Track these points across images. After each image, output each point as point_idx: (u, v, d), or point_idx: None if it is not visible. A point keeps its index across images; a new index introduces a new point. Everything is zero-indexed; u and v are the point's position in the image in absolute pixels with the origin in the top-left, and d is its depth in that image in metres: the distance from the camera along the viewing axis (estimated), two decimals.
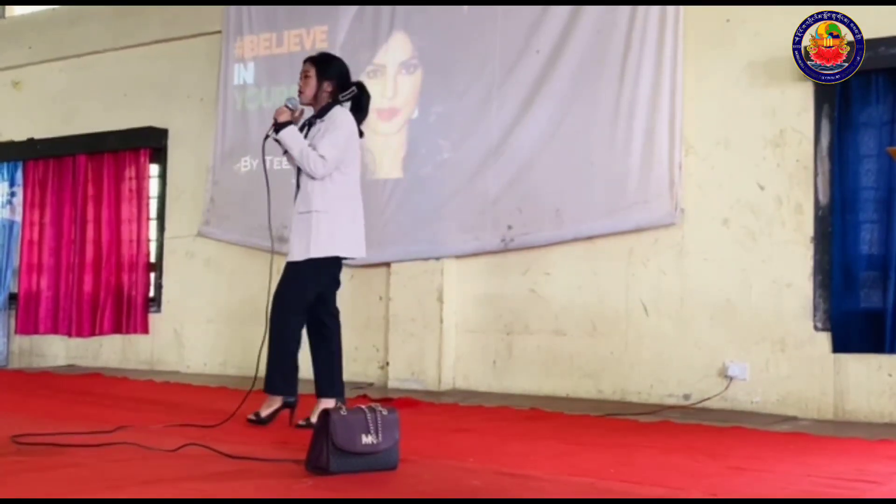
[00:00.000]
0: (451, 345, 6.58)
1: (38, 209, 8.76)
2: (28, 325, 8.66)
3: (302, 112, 4.65)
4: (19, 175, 8.88)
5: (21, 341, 8.83)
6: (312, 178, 4.48)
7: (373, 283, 6.95)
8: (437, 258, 6.60)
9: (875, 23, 5.24)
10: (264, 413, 4.50)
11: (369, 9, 7.06)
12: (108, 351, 8.29)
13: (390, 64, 6.96)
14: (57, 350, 8.61)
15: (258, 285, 7.48)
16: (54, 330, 8.54)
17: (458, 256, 6.59)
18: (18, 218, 8.86)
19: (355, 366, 7.03)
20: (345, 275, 7.10)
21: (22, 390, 6.17)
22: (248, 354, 7.54)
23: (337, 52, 7.13)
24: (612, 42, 6.06)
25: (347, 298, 7.06)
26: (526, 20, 6.37)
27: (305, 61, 4.68)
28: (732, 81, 5.75)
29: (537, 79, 6.30)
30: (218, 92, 7.72)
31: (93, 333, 8.27)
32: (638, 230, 5.94)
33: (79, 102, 8.63)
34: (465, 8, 6.65)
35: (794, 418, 5.30)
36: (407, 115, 6.87)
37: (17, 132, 8.90)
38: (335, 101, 4.59)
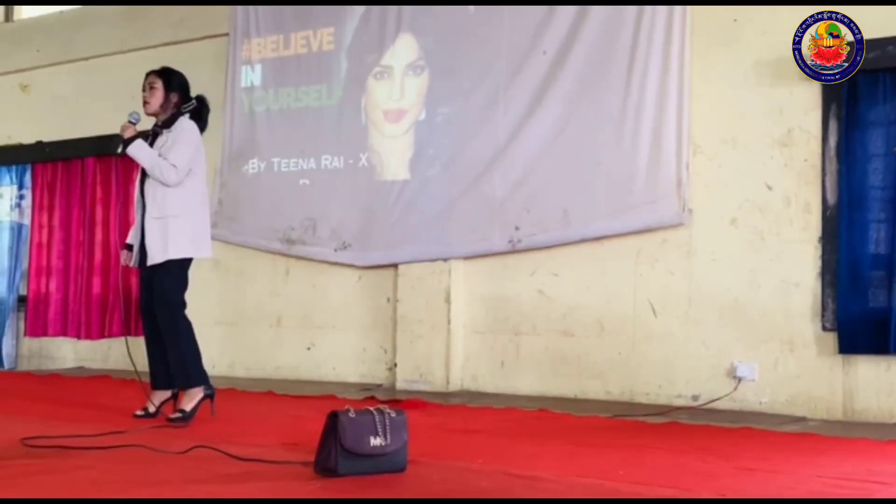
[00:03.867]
0: (458, 346, 6.58)
1: (47, 212, 8.79)
2: (37, 328, 8.68)
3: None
4: (28, 178, 8.91)
5: (30, 343, 8.85)
6: (166, 185, 4.70)
7: (380, 285, 6.96)
8: (445, 259, 6.60)
9: (881, 22, 5.24)
10: (188, 407, 4.64)
11: (376, 10, 7.06)
12: (117, 353, 8.30)
13: (397, 65, 6.96)
14: (66, 352, 8.63)
15: (266, 287, 7.53)
16: (63, 332, 8.56)
17: (465, 257, 6.59)
18: (27, 221, 8.89)
19: (363, 367, 7.04)
20: (353, 276, 7.20)
21: (31, 393, 6.19)
22: (256, 356, 7.58)
23: (343, 54, 7.20)
24: (619, 42, 6.05)
25: (355, 300, 7.12)
26: (532, 21, 6.37)
27: (149, 74, 4.98)
28: (740, 81, 5.74)
29: (544, 79, 6.30)
30: (225, 94, 7.71)
31: (102, 335, 8.30)
32: (645, 230, 5.94)
33: (87, 105, 8.64)
34: (472, 8, 6.65)
35: (803, 419, 5.29)
36: (414, 116, 6.87)
37: (26, 135, 8.93)
38: (179, 113, 4.88)
